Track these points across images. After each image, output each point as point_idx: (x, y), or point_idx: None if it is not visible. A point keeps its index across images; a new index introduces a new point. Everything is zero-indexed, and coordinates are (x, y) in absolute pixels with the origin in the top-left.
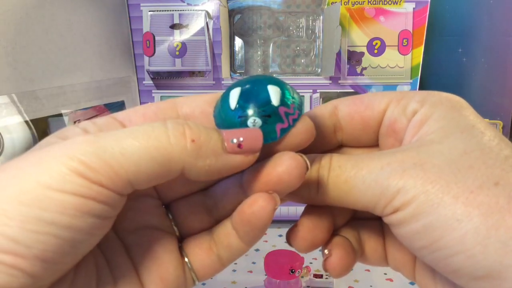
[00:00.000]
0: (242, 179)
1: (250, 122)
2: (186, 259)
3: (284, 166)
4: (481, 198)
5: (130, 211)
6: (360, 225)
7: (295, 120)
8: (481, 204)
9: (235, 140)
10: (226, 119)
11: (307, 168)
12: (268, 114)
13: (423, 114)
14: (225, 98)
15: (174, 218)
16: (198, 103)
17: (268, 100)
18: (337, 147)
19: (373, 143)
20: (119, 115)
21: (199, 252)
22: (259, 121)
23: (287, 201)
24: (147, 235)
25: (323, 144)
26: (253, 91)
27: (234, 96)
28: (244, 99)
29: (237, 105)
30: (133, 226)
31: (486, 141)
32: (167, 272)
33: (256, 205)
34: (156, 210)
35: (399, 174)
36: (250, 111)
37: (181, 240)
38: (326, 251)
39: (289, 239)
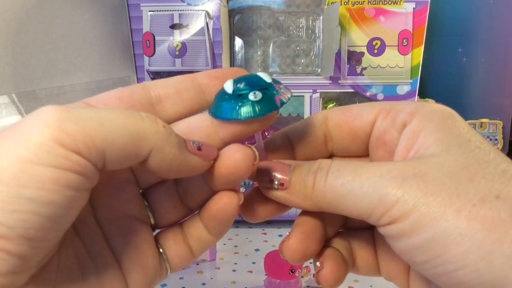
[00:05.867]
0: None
1: (251, 95)
2: (161, 250)
3: (232, 159)
4: (483, 212)
5: (112, 199)
6: (351, 235)
7: (282, 102)
8: (484, 218)
9: (195, 143)
10: (224, 102)
11: (255, 159)
12: (265, 87)
13: (415, 125)
14: (219, 92)
15: (150, 206)
16: (171, 84)
17: (262, 80)
18: (328, 157)
19: (363, 153)
20: (92, 100)
21: (173, 243)
22: (259, 94)
23: (288, 210)
24: (128, 225)
25: (313, 153)
26: (246, 78)
27: (228, 85)
28: (240, 83)
29: (234, 88)
30: (114, 215)
31: (483, 155)
32: (147, 261)
33: (221, 202)
34: (135, 199)
35: (399, 182)
36: (248, 88)
37: (154, 229)
38: (318, 264)
39: (281, 251)
